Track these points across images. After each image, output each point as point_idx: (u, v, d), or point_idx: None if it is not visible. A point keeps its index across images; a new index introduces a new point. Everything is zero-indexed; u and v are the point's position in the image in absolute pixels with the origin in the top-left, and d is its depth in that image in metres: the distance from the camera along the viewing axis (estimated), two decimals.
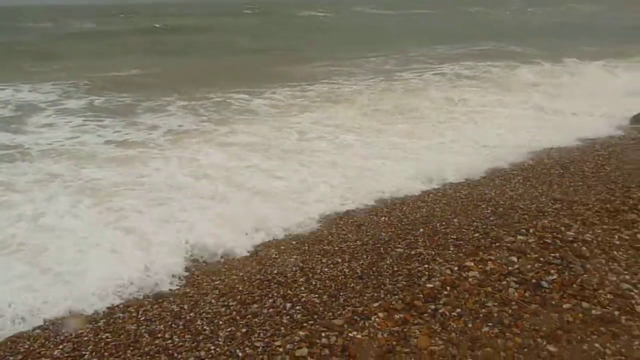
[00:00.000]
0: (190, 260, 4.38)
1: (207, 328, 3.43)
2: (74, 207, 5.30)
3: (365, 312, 3.12)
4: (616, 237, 3.91)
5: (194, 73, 14.97)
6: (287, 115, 9.48)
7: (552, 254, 3.62)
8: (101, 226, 4.89)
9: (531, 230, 4.01)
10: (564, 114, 9.32)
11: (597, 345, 2.84)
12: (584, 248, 3.71)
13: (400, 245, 4.44)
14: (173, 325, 3.46)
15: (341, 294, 3.71)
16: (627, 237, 3.90)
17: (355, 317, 3.09)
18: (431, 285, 3.34)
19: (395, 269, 3.98)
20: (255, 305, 3.70)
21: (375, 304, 3.21)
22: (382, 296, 3.49)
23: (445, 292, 3.26)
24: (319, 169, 6.49)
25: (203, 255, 4.49)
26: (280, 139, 7.87)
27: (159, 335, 3.35)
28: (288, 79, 13.07)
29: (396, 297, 3.30)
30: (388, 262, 4.14)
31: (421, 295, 3.24)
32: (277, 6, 60.49)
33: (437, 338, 2.87)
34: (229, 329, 3.40)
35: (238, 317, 3.56)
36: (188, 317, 3.54)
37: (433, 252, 4.18)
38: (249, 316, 3.55)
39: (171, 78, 13.67)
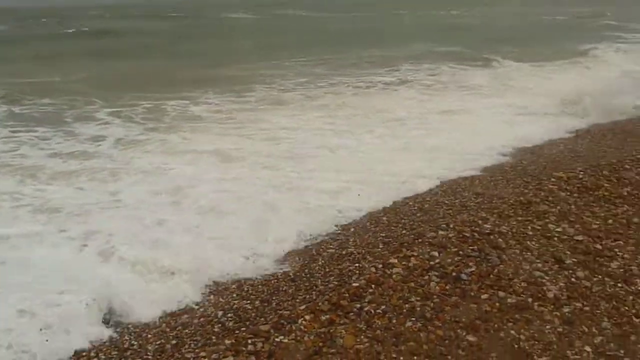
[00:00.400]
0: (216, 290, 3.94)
1: (135, 342, 3.35)
2: (40, 232, 4.70)
3: (292, 315, 3.14)
4: (529, 227, 4.14)
5: (116, 78, 14.26)
6: (240, 120, 9.08)
7: (471, 247, 3.79)
8: (82, 254, 4.36)
9: (451, 225, 4.17)
10: (536, 114, 9.32)
11: (512, 332, 3.00)
12: (500, 240, 3.91)
13: (332, 246, 4.52)
14: None
15: (274, 298, 3.72)
16: (539, 227, 4.14)
17: (282, 321, 3.10)
18: (357, 284, 3.41)
19: (327, 269, 4.04)
20: (186, 316, 3.65)
21: (302, 307, 3.24)
22: (314, 297, 3.53)
23: (370, 290, 3.34)
24: (326, 175, 6.17)
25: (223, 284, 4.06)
26: (255, 145, 7.49)
27: (84, 354, 3.23)
28: (217, 83, 12.69)
29: (323, 297, 3.35)
30: (320, 263, 4.19)
31: (347, 295, 3.30)
32: (203, 9, 59.28)
33: (362, 336, 2.94)
34: (158, 342, 3.33)
35: (168, 329, 3.50)
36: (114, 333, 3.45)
37: (363, 251, 4.27)
38: (179, 327, 3.50)
39: (92, 84, 12.91)
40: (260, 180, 6.06)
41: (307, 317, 3.09)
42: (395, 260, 3.67)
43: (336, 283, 3.71)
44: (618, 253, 3.80)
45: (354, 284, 3.43)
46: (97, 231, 4.69)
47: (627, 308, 3.19)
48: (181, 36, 28.50)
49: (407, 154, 7.05)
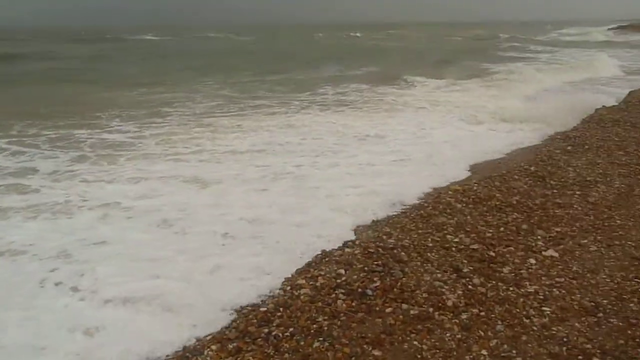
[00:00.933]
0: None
1: None
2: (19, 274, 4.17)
3: (198, 346, 3.07)
4: (429, 239, 4.33)
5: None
6: (177, 145, 8.50)
7: (375, 262, 3.89)
8: (74, 299, 3.86)
9: (357, 242, 4.28)
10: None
11: (415, 343, 3.10)
12: (402, 253, 4.05)
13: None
14: None
15: None
16: (438, 239, 4.35)
17: (187, 354, 3.02)
18: (265, 309, 3.40)
19: None
20: None
21: (209, 337, 3.17)
22: (227, 325, 3.46)
23: (279, 314, 3.34)
24: (328, 192, 5.95)
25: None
26: (223, 169, 7.03)
27: None
28: (120, 109, 12.09)
29: (231, 325, 3.30)
30: None
31: (255, 320, 3.27)
32: (110, 31, 57.32)
33: None
34: None
35: None
36: None
37: None
38: None
39: None
40: (257, 203, 5.71)
41: (213, 347, 3.02)
42: (303, 281, 3.70)
43: (250, 308, 3.66)
44: (509, 259, 4.07)
45: (262, 309, 3.41)
46: (88, 271, 4.23)
47: (518, 310, 3.41)
48: (86, 59, 27.29)
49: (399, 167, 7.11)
